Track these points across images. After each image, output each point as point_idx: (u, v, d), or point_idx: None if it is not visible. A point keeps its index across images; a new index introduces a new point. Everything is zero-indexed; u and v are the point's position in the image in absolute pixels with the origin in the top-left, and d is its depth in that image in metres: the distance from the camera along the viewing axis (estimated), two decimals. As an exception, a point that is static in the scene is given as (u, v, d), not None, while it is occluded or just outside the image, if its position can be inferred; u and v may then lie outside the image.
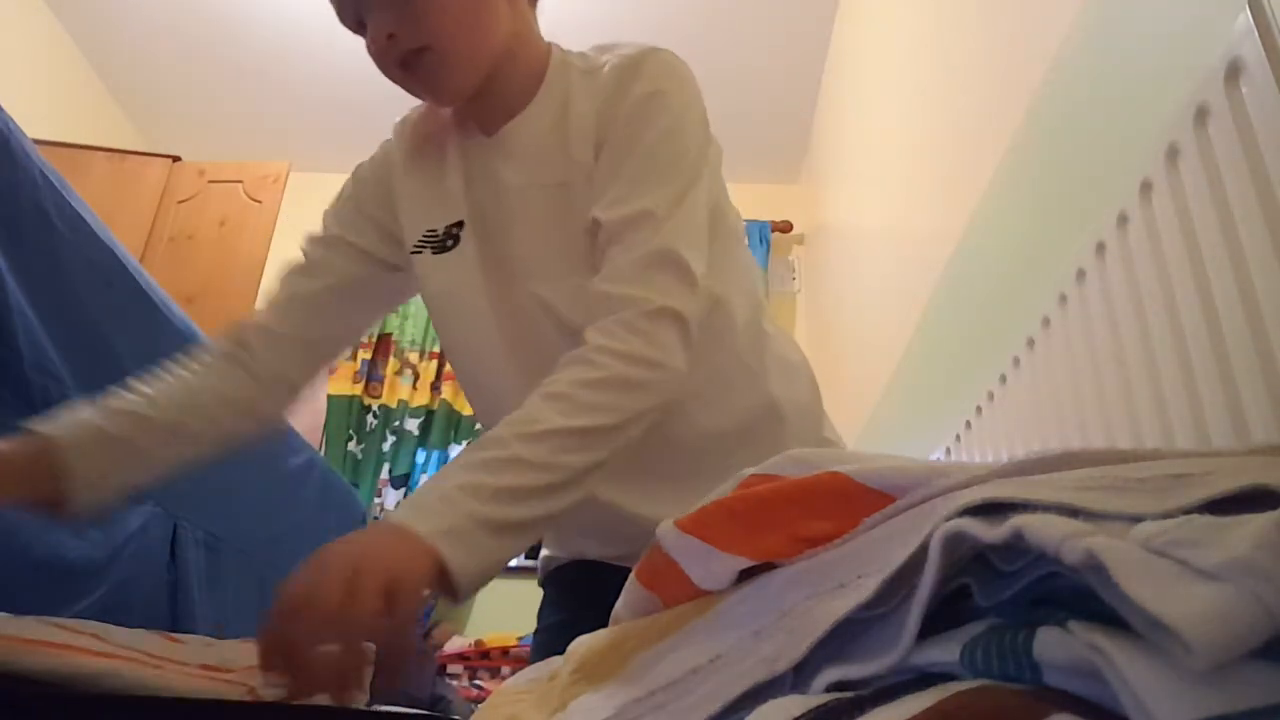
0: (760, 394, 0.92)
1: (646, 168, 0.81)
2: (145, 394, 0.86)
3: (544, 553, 1.06)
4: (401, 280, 0.98)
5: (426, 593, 0.62)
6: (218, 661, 0.76)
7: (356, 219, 0.97)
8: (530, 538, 0.69)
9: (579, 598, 0.98)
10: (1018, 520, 0.22)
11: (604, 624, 0.85)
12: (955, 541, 0.24)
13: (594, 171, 0.84)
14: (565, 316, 0.85)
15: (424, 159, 0.95)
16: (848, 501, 0.29)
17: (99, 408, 0.83)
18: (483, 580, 0.64)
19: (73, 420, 0.80)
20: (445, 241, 0.91)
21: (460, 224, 0.91)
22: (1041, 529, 0.22)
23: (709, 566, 0.31)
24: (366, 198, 0.97)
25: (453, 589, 0.62)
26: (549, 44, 0.94)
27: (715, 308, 0.87)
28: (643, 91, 0.83)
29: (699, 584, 0.33)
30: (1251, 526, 0.18)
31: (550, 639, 0.99)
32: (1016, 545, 0.23)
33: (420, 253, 0.92)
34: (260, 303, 0.97)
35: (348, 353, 3.65)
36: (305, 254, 0.98)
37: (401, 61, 0.82)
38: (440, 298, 0.93)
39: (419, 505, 0.64)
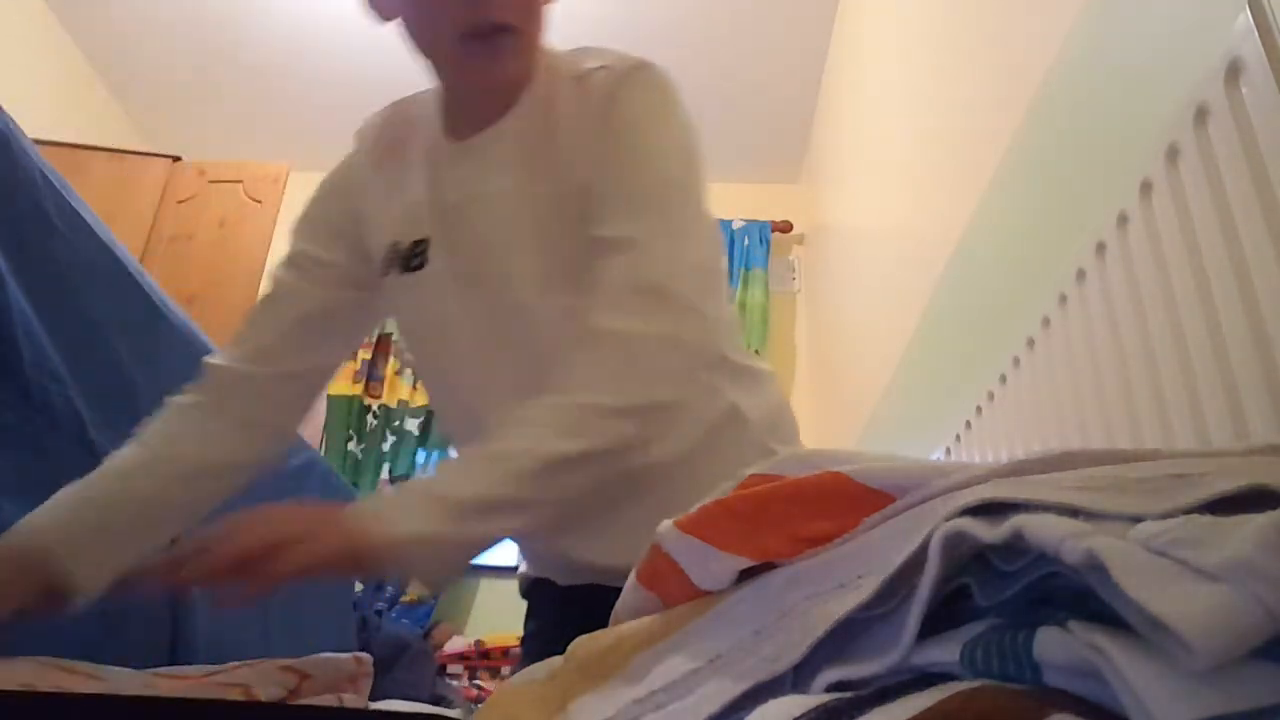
0: (719, 402, 0.88)
1: (641, 193, 0.78)
2: (128, 474, 0.83)
3: (521, 569, 1.04)
4: (377, 300, 0.93)
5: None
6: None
7: (325, 235, 0.92)
8: (485, 545, 0.70)
9: (556, 609, 0.97)
10: (1018, 520, 0.22)
11: (580, 632, 0.87)
12: (955, 541, 0.24)
13: (592, 188, 0.80)
14: (552, 334, 0.81)
15: (389, 169, 0.90)
16: (848, 501, 0.29)
17: (83, 502, 0.80)
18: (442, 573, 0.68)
19: (60, 520, 0.78)
20: (410, 260, 0.86)
21: (424, 241, 0.86)
22: (1041, 529, 0.22)
23: (709, 567, 0.31)
24: (333, 212, 0.93)
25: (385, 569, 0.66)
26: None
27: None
28: (636, 111, 0.80)
29: (699, 584, 0.33)
30: (1252, 527, 0.18)
31: (532, 646, 0.99)
32: (1016, 545, 0.23)
33: (388, 273, 0.88)
34: (231, 343, 0.93)
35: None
36: (276, 281, 0.93)
37: (476, 31, 0.77)
38: (411, 320, 0.90)
39: (387, 503, 0.68)
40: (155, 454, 0.84)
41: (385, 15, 0.83)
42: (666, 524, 0.32)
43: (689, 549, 0.32)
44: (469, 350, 0.86)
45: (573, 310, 0.78)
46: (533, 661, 0.97)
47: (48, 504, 0.78)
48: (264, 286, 0.94)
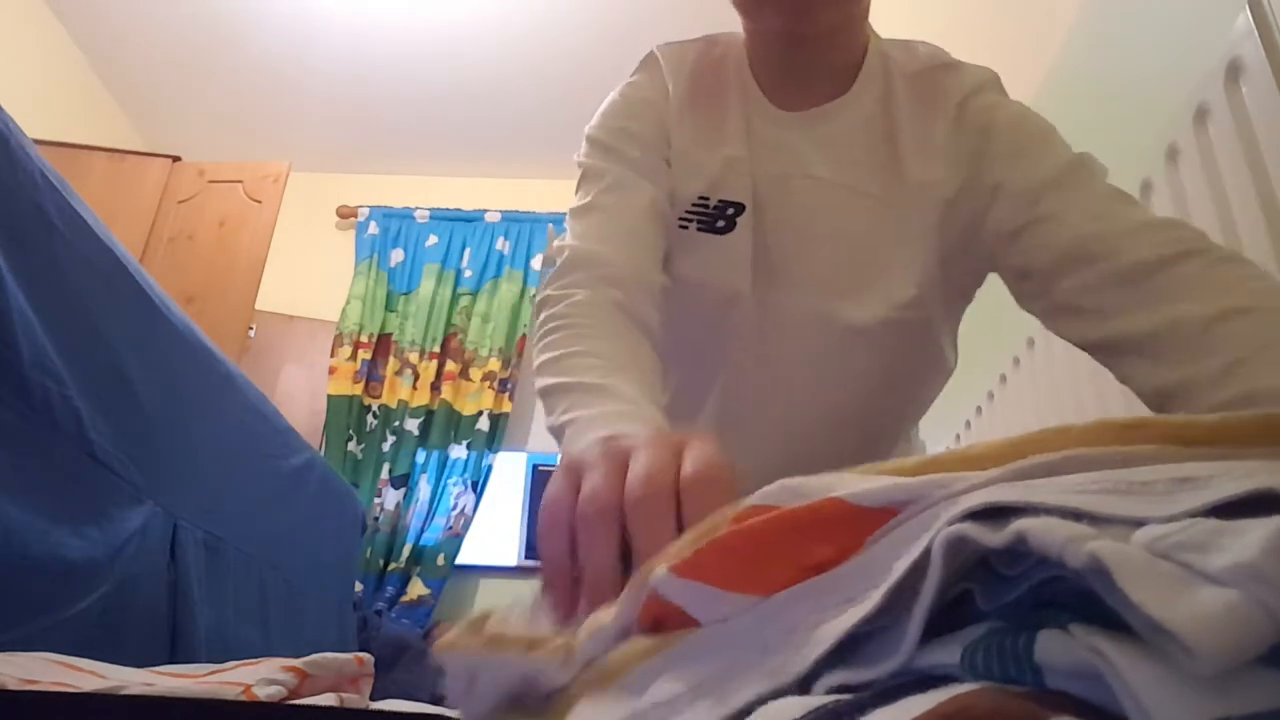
0: None
1: (1045, 148, 0.71)
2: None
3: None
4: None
5: None
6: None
7: (646, 141, 0.79)
8: None
9: None
10: (1020, 524, 0.22)
11: None
12: (957, 547, 0.24)
13: (964, 203, 0.73)
14: (844, 343, 0.74)
15: (703, 108, 0.80)
16: (849, 524, 0.28)
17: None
18: None
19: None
20: (716, 221, 0.77)
21: (740, 207, 0.77)
22: (1044, 533, 0.22)
23: (718, 609, 0.31)
24: (650, 125, 0.80)
25: None
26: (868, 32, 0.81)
27: None
28: (1009, 110, 0.74)
29: (707, 625, 0.33)
30: (1258, 531, 0.18)
31: None
32: (1018, 549, 0.23)
33: (687, 226, 0.78)
34: (599, 241, 0.74)
35: (342, 354, 3.65)
36: (613, 183, 0.77)
37: None
38: (696, 284, 0.79)
39: None
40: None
41: None
42: (660, 571, 0.32)
43: (692, 593, 0.31)
44: (750, 338, 0.79)
45: (879, 326, 0.72)
46: None
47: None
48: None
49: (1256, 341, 0.54)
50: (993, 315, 1.55)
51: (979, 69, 0.78)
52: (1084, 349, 0.67)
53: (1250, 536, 0.18)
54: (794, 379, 0.78)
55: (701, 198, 0.78)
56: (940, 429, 1.66)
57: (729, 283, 0.78)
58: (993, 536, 0.23)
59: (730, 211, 0.77)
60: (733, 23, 0.81)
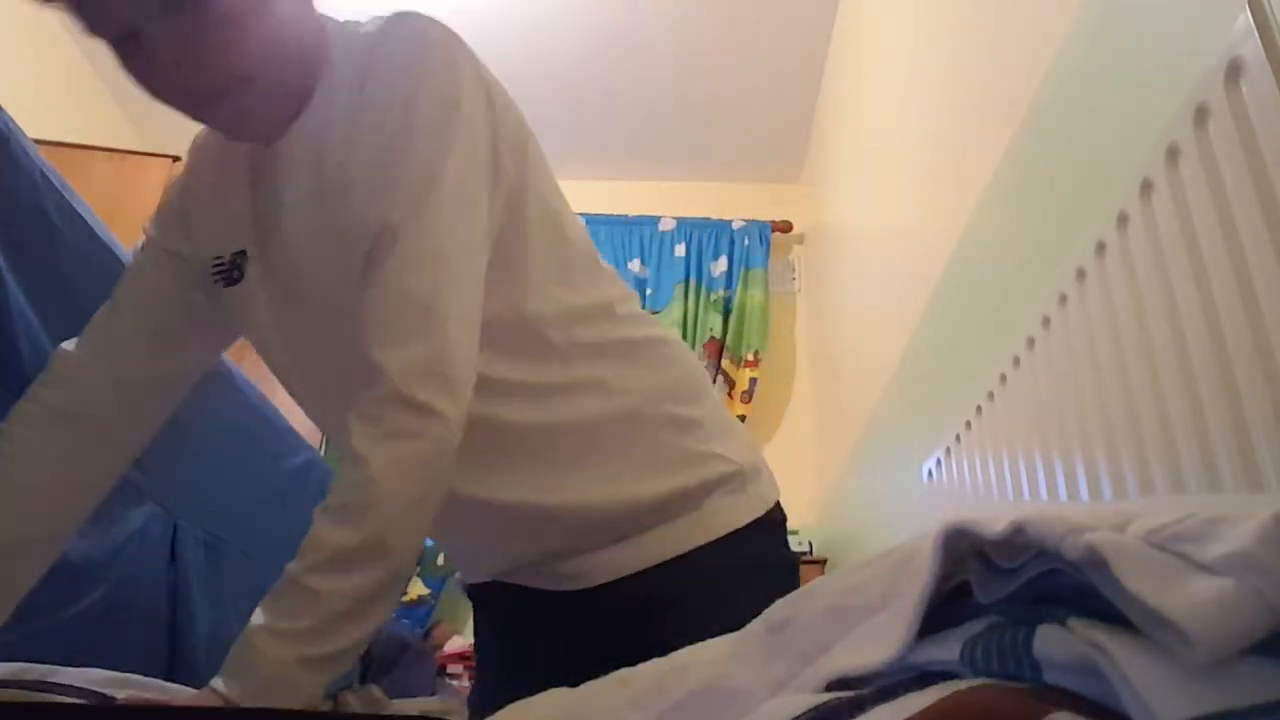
0: (577, 378, 0.82)
1: (390, 171, 0.71)
2: None
3: (456, 575, 1.02)
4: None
5: None
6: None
7: (175, 231, 0.85)
8: (350, 658, 0.65)
9: (497, 615, 0.96)
10: (1019, 516, 0.22)
11: (519, 641, 0.85)
12: (956, 538, 0.24)
13: (348, 173, 0.73)
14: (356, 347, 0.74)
15: (219, 177, 0.84)
16: None
17: None
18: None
19: None
20: (232, 273, 0.81)
21: (243, 253, 0.80)
22: (1043, 524, 0.22)
23: None
24: (170, 231, 0.86)
25: None
26: (322, 21, 0.79)
27: (524, 324, 0.79)
28: (388, 74, 0.73)
29: None
30: (1253, 521, 0.18)
31: (482, 655, 0.99)
32: (1017, 541, 0.23)
33: (216, 284, 0.82)
34: (86, 330, 0.85)
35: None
36: (133, 266, 0.87)
37: (193, 104, 0.71)
38: (249, 335, 0.85)
39: (233, 668, 0.62)
40: (13, 488, 0.78)
41: None
42: None
43: None
44: (289, 360, 0.83)
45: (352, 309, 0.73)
46: (484, 664, 0.98)
47: None
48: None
49: None
50: (993, 315, 1.55)
51: (385, 18, 0.76)
52: None
53: (1244, 526, 0.18)
54: (336, 381, 0.78)
55: (216, 258, 0.82)
56: (941, 429, 1.66)
57: (255, 320, 0.81)
58: (991, 528, 0.23)
59: (239, 260, 0.81)
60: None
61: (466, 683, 2.67)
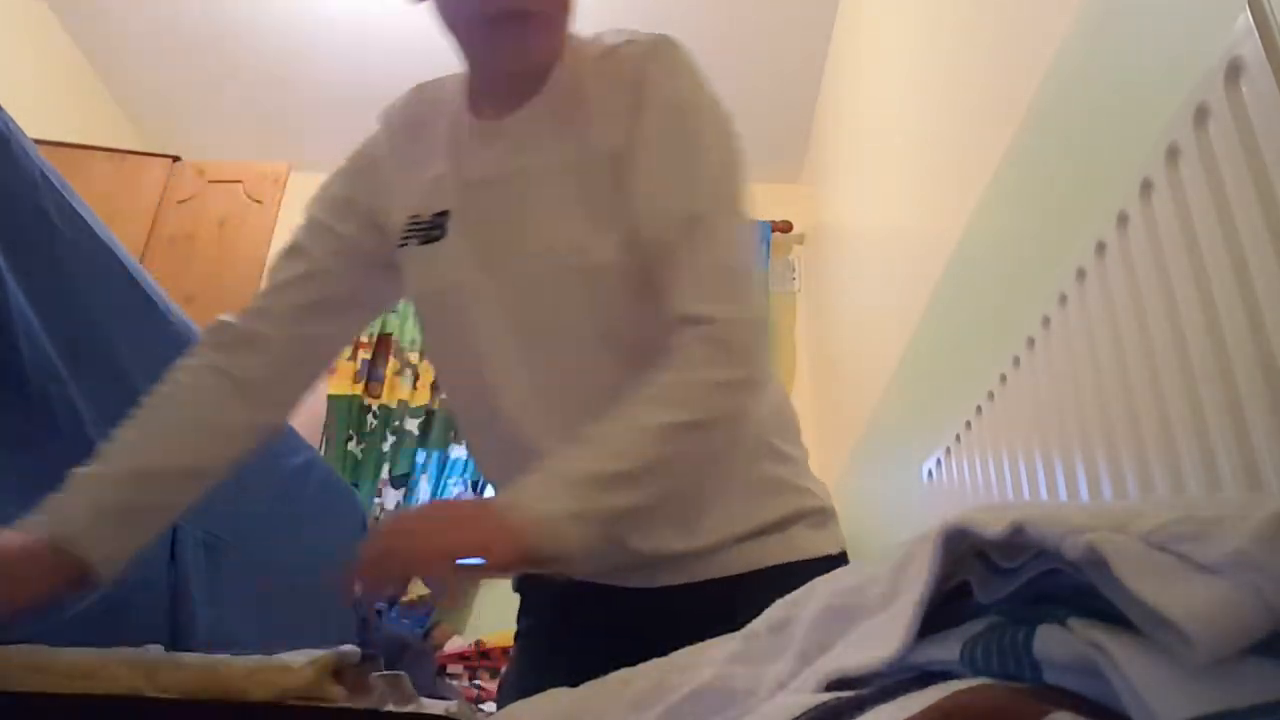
0: None
1: (691, 169, 0.80)
2: (136, 448, 0.83)
3: None
4: (389, 280, 0.94)
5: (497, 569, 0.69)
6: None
7: (339, 207, 0.93)
8: (621, 525, 0.74)
9: (554, 608, 0.96)
10: (1019, 516, 0.22)
11: (580, 633, 0.85)
12: (956, 538, 0.24)
13: (624, 155, 0.81)
14: (576, 306, 0.82)
15: (410, 148, 0.92)
16: None
17: (95, 480, 0.80)
18: (571, 559, 0.70)
19: (74, 504, 0.78)
20: (431, 230, 0.87)
21: (445, 213, 0.87)
22: (1042, 524, 0.22)
23: None
24: (350, 186, 0.94)
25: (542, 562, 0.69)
26: None
27: None
28: (673, 88, 0.83)
29: None
30: (1251, 521, 0.18)
31: (527, 644, 0.99)
32: (1017, 541, 0.23)
33: (406, 244, 0.88)
34: (253, 301, 0.93)
35: (342, 354, 3.66)
36: (290, 246, 0.94)
37: (502, 14, 0.78)
38: (428, 293, 0.90)
39: (524, 489, 0.70)
40: (162, 423, 0.85)
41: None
42: None
43: None
44: (484, 324, 0.86)
45: (604, 271, 0.80)
46: (526, 660, 0.98)
47: (65, 489, 0.79)
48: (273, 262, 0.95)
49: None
50: (993, 315, 1.55)
51: (650, 38, 0.86)
52: None
53: (1244, 526, 0.18)
54: (546, 329, 0.84)
55: (413, 217, 0.88)
56: (941, 429, 1.66)
57: (451, 279, 0.86)
58: (992, 528, 0.23)
59: (439, 221, 0.86)
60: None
61: (467, 683, 2.67)
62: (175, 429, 0.85)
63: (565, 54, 0.87)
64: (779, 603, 0.35)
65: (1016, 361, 1.29)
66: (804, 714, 0.26)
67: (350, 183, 0.95)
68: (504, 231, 0.85)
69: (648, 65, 0.83)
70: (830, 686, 0.28)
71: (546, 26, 0.81)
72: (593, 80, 0.85)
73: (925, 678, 0.26)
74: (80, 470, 0.81)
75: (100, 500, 0.79)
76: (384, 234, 0.91)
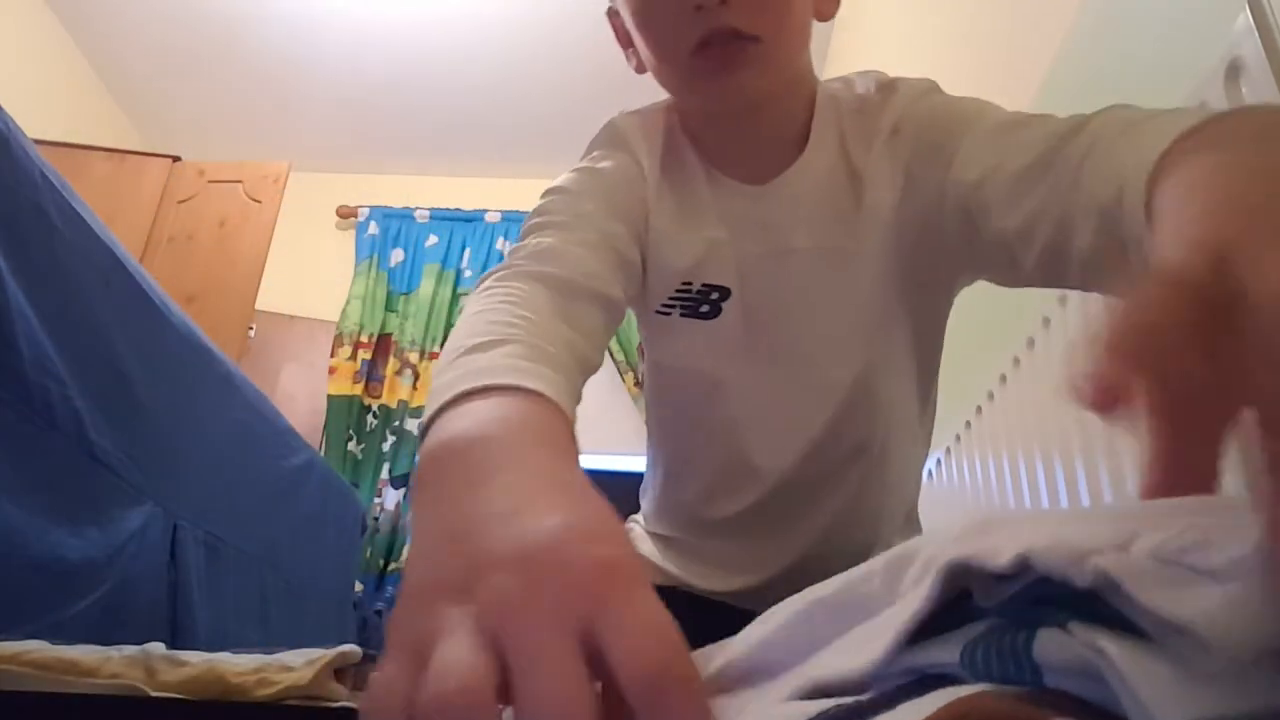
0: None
1: (973, 123, 0.72)
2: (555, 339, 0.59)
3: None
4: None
5: None
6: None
7: (614, 207, 0.72)
8: None
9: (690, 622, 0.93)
10: (1023, 547, 0.23)
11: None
12: (959, 572, 0.25)
13: (896, 223, 0.72)
14: (849, 404, 0.76)
15: (676, 186, 0.76)
16: None
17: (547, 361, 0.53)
18: None
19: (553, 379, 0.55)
20: (700, 306, 0.76)
21: (726, 291, 0.75)
22: (1047, 555, 0.22)
23: None
24: (626, 191, 0.74)
25: None
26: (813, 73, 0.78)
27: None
28: (924, 98, 0.75)
29: None
30: (1255, 521, 0.18)
31: None
32: (1021, 573, 0.23)
33: (669, 313, 0.76)
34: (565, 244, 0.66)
35: (342, 354, 3.66)
36: (574, 217, 0.69)
37: (709, 38, 0.66)
38: (684, 370, 0.80)
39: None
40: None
41: (637, 68, 0.76)
42: None
43: None
44: (762, 415, 0.79)
45: (879, 367, 0.76)
46: None
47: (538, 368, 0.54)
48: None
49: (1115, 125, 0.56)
50: (993, 315, 1.55)
51: (916, 81, 0.77)
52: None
53: (1247, 528, 0.18)
54: (800, 439, 0.79)
55: (685, 283, 0.76)
56: (941, 429, 1.66)
57: (716, 368, 0.78)
58: (995, 561, 0.23)
59: (715, 296, 0.75)
60: None
61: (466, 682, 2.66)
62: (533, 319, 0.59)
63: (820, 103, 0.76)
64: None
65: (1016, 362, 1.29)
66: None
67: (626, 185, 0.75)
68: (773, 322, 0.76)
69: (912, 107, 0.74)
70: (818, 689, 0.28)
71: (762, 56, 0.68)
72: (856, 136, 0.74)
73: (925, 681, 0.26)
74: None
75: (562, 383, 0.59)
76: (636, 281, 0.74)
